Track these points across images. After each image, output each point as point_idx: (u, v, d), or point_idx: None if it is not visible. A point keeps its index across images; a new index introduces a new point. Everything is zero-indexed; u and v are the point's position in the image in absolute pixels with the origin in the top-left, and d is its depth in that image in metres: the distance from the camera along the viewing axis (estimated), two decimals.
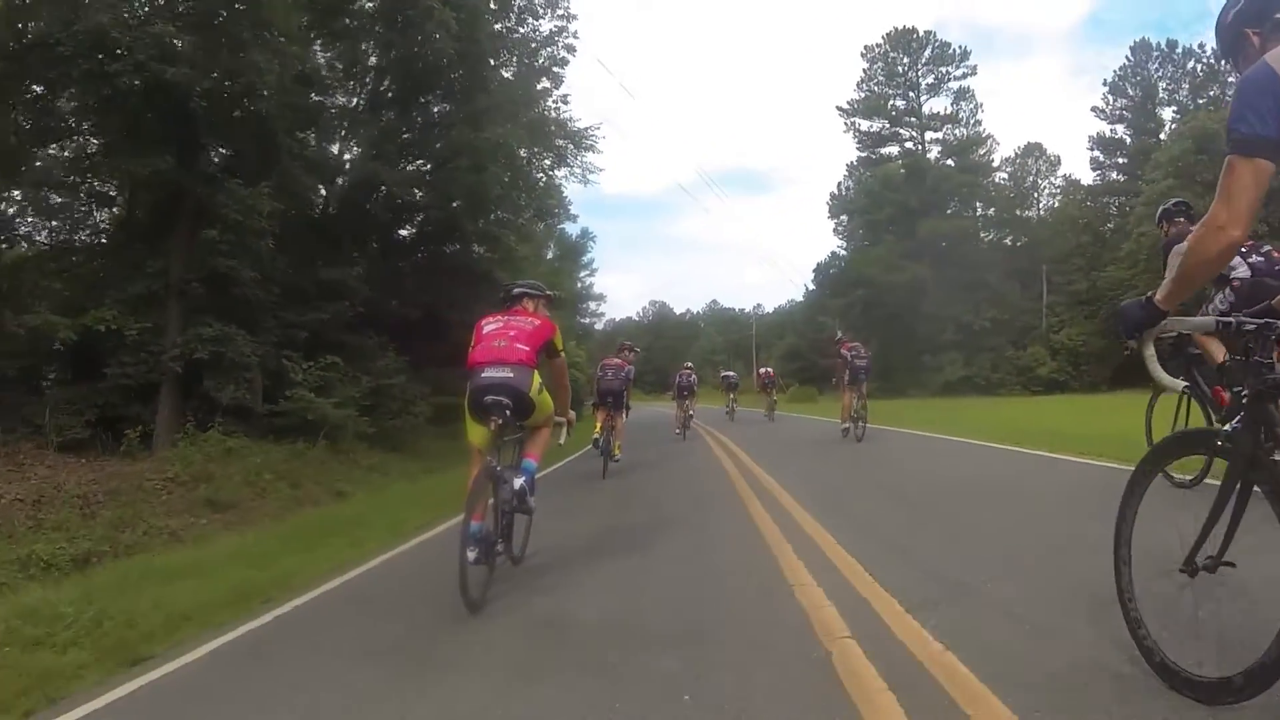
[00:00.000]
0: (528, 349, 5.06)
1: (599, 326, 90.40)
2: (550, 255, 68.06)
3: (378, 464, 17.36)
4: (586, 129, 30.37)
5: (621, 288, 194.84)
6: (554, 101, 27.71)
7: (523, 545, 5.56)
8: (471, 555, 4.42)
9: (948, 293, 54.17)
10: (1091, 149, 61.64)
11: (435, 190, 21.72)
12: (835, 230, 79.75)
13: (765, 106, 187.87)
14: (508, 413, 4.86)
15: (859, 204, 60.52)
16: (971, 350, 54.39)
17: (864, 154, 62.51)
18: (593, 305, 78.95)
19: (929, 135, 60.16)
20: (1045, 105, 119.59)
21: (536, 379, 5.05)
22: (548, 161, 30.30)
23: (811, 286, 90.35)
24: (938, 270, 54.49)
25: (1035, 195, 65.12)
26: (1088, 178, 63.10)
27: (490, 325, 5.25)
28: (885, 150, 61.81)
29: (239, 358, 15.19)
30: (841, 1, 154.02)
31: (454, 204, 21.65)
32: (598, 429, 12.44)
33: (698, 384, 22.27)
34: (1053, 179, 66.37)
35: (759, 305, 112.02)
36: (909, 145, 60.64)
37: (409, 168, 22.78)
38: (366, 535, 7.52)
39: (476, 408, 4.94)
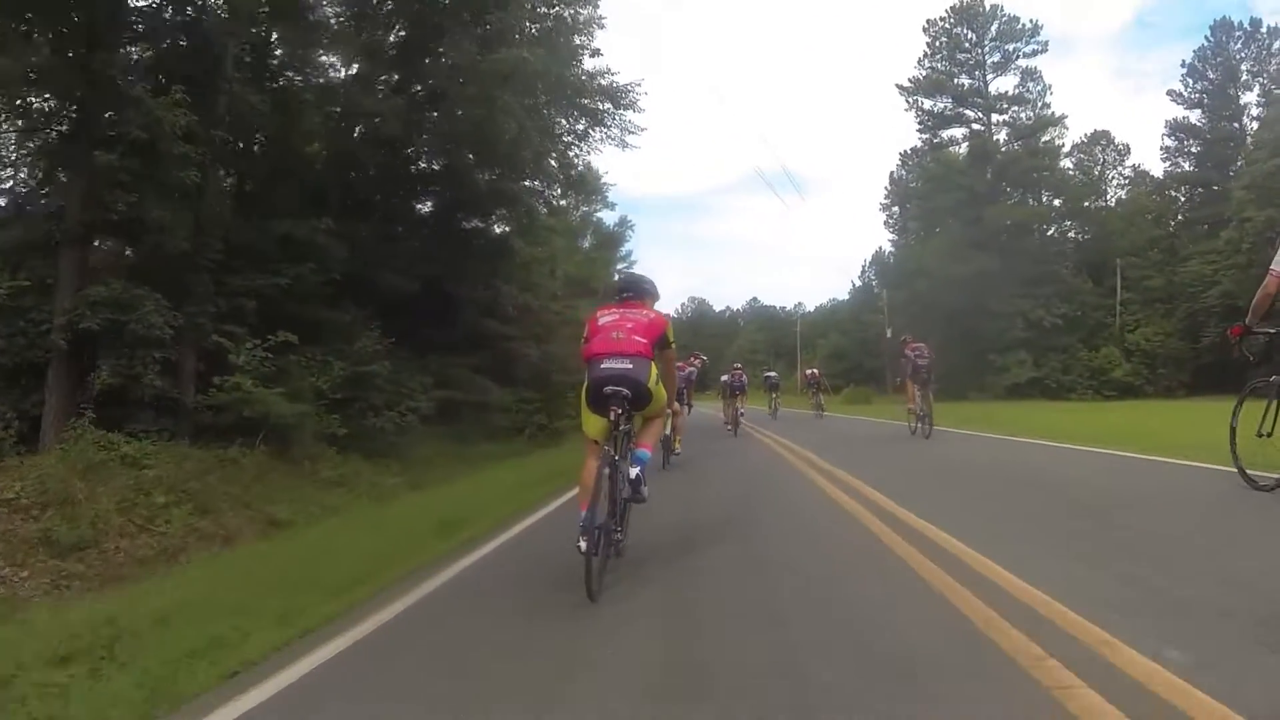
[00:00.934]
0: (645, 341, 4.95)
1: None
2: (587, 244, 65.10)
3: (345, 475, 13.12)
4: (627, 85, 25.79)
5: (660, 284, 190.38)
6: (587, 20, 22.94)
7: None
8: (582, 544, 4.31)
9: (1016, 286, 48.97)
10: (1168, 135, 55.86)
11: (436, 135, 17.33)
12: (887, 223, 74.88)
13: (797, 106, 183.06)
14: (626, 403, 4.76)
15: (920, 189, 54.78)
16: (1040, 350, 49.04)
17: (925, 136, 56.51)
18: None
19: (995, 117, 54.36)
20: (1092, 102, 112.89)
21: (654, 370, 4.95)
22: (581, 125, 25.87)
23: (858, 282, 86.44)
24: (1005, 261, 49.24)
25: (1104, 185, 59.58)
26: (1156, 169, 57.58)
27: (606, 317, 5.13)
28: (948, 133, 55.92)
29: (146, 330, 11.00)
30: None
31: (461, 151, 17.22)
32: None
33: (747, 383, 22.24)
34: (1121, 169, 61.05)
35: (800, 303, 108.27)
36: (975, 127, 54.71)
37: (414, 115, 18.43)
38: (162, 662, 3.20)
39: (595, 399, 4.81)
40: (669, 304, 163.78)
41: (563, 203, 29.49)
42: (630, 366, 4.76)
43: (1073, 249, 52.93)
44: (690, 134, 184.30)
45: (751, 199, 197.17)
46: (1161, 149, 56.29)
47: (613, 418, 4.71)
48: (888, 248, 69.60)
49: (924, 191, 53.61)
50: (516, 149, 17.88)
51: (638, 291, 5.41)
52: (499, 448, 19.36)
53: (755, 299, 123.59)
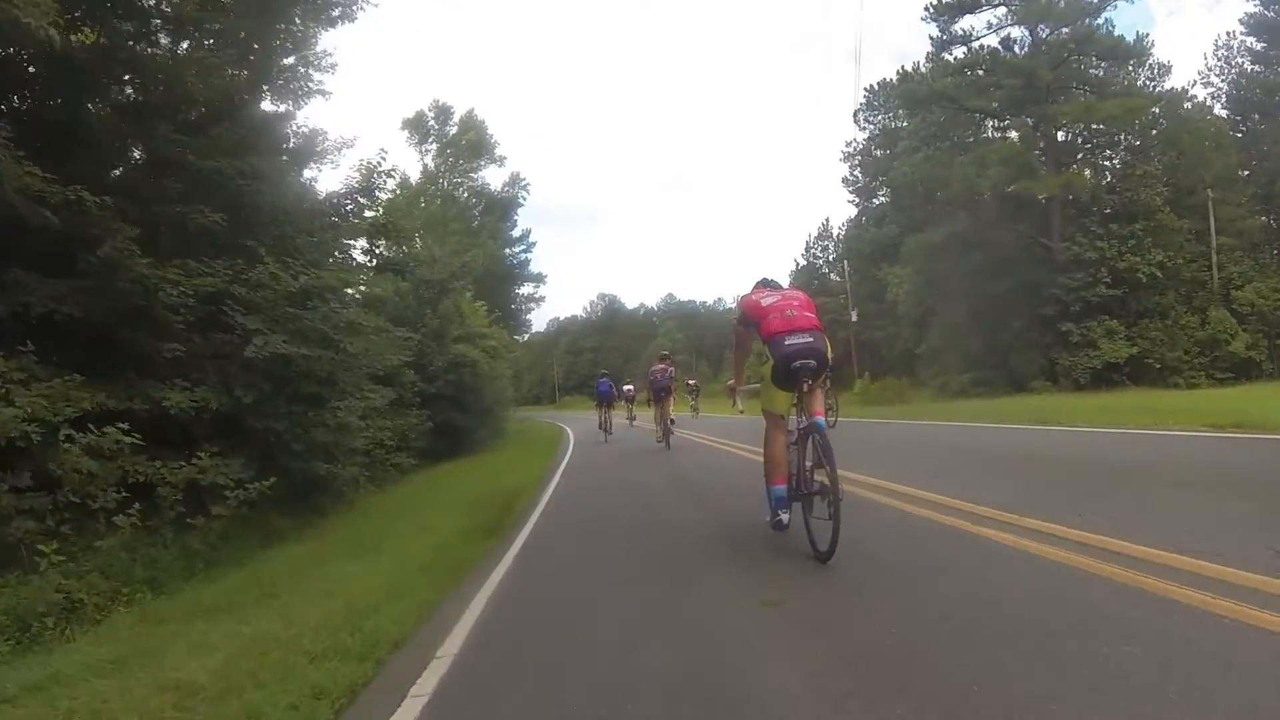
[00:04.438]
0: (812, 315, 5.34)
1: (538, 323, 79.26)
2: (476, 211, 52.18)
3: None
4: None
5: (567, 283, 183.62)
6: None
7: None
8: (784, 517, 5.25)
9: (1095, 222, 34.79)
10: (1246, 33, 43.08)
11: None
12: (847, 180, 60.56)
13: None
14: (812, 375, 5.18)
15: (946, 86, 38.33)
16: (1131, 315, 34.94)
17: (941, 20, 40.43)
18: (530, 288, 61.29)
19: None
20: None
21: (827, 340, 5.34)
22: None
23: (803, 261, 72.79)
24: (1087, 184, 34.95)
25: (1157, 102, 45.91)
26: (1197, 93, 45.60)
27: (769, 299, 5.49)
28: (963, 24, 40.18)
29: None
30: None
31: None
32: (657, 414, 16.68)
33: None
34: (1160, 92, 47.59)
35: (720, 299, 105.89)
36: (1000, 12, 39.75)
37: None
38: None
39: (784, 375, 5.19)
40: (575, 304, 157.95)
41: None
42: (811, 339, 5.18)
43: (1161, 172, 38.50)
44: (589, 136, 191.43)
45: (658, 194, 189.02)
46: (1199, 74, 43.98)
47: (805, 389, 5.20)
48: (842, 215, 55.89)
49: (951, 89, 37.77)
50: None
51: (774, 284, 5.94)
52: None
53: (671, 295, 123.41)
